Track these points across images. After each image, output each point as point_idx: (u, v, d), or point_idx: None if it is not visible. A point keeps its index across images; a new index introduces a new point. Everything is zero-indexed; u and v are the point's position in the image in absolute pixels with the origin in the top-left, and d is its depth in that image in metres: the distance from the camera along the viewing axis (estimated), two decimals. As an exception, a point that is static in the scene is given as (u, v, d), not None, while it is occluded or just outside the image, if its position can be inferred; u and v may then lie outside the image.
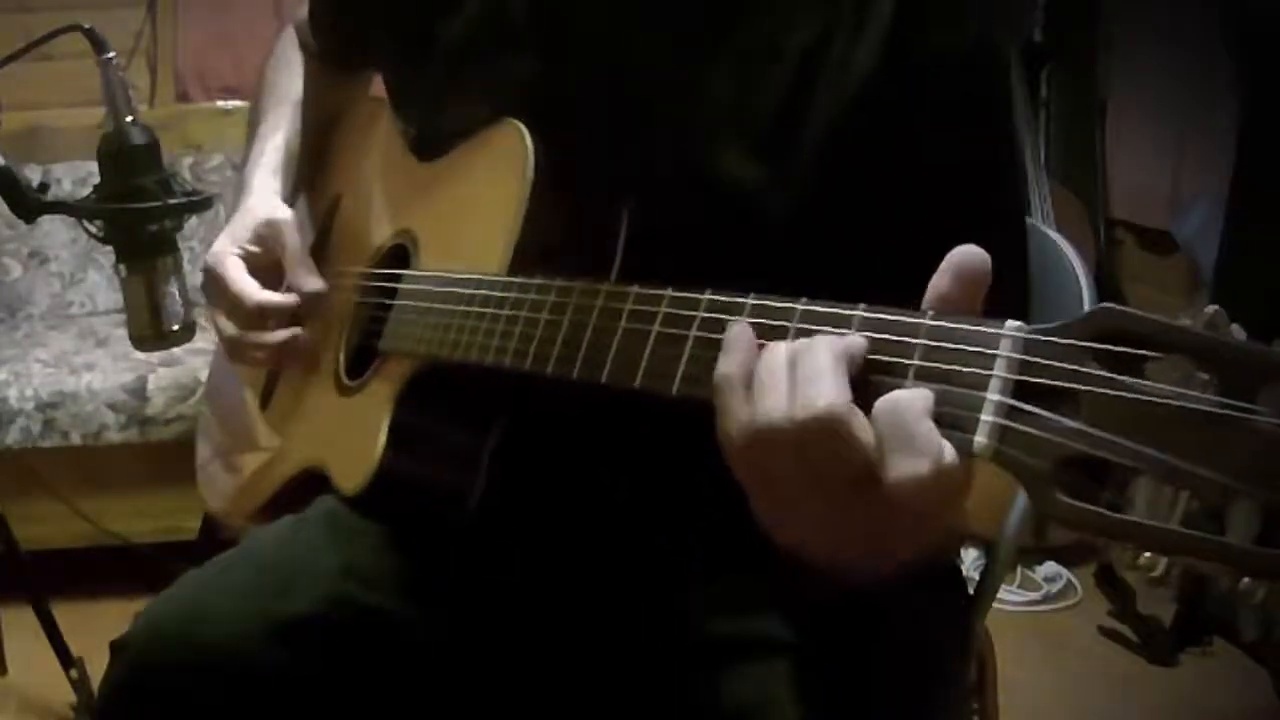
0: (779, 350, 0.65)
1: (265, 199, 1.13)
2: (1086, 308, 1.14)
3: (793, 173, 0.86)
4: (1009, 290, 0.87)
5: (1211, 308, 0.56)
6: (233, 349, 1.12)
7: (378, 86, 1.18)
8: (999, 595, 1.23)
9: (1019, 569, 2.75)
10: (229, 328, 1.09)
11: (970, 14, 0.86)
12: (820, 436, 0.62)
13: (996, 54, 0.89)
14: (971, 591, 1.16)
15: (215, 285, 1.09)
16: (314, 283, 1.07)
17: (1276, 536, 0.52)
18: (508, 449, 0.91)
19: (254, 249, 1.09)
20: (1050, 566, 2.80)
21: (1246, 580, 0.53)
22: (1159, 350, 0.56)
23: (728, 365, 0.66)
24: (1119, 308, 0.57)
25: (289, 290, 1.08)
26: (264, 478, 1.16)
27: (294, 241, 1.09)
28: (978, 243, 0.86)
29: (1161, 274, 3.01)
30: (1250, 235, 2.64)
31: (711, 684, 0.87)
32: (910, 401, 0.60)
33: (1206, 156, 2.80)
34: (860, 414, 0.62)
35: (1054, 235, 1.24)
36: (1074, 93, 3.31)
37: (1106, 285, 3.08)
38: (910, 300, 0.64)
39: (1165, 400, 0.55)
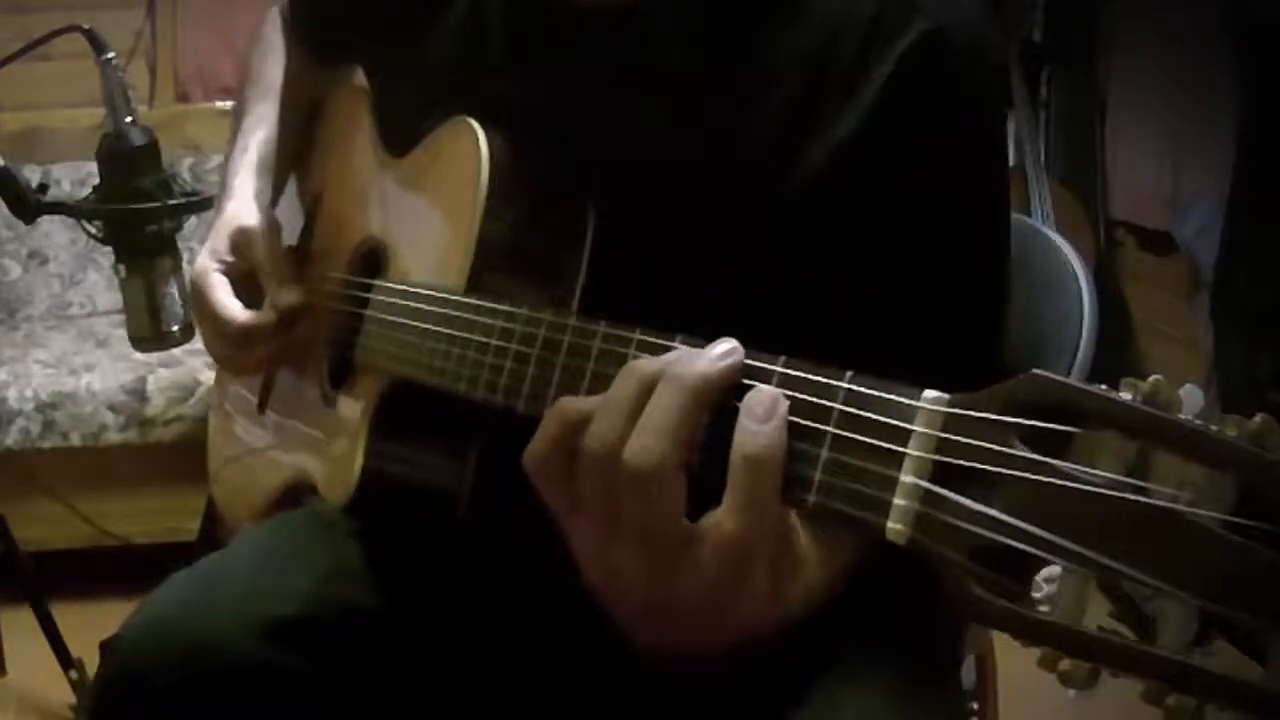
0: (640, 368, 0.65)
1: (242, 203, 1.12)
2: (1086, 308, 1.15)
3: (771, 224, 0.86)
4: (977, 356, 0.86)
5: (1155, 377, 0.50)
6: (219, 362, 1.14)
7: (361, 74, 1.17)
8: (999, 595, 1.23)
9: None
10: (215, 345, 1.09)
11: (966, 101, 0.85)
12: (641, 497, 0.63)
13: (993, 130, 0.89)
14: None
15: (199, 303, 1.09)
16: (290, 296, 1.05)
17: (1214, 645, 0.47)
18: (493, 458, 0.90)
19: (231, 259, 1.09)
20: (1050, 566, 2.79)
21: (1172, 698, 0.48)
22: (1092, 425, 0.50)
23: None
24: (1049, 376, 0.52)
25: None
26: (260, 485, 1.16)
27: (266, 250, 1.07)
28: (945, 305, 0.85)
29: (1161, 274, 3.01)
30: (1250, 235, 2.64)
31: (689, 685, 0.87)
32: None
33: (1206, 156, 2.80)
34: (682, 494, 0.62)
35: (1054, 235, 1.24)
36: (1074, 93, 3.31)
37: (1106, 285, 3.08)
38: (871, 352, 0.63)
39: (1093, 489, 0.49)
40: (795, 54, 0.86)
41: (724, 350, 0.64)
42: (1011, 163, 2.56)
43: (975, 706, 1.37)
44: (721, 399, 0.63)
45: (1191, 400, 0.49)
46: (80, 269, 3.14)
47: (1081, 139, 3.26)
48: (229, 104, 3.22)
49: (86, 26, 1.15)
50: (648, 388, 0.64)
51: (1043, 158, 3.24)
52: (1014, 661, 1.42)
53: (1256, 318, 2.61)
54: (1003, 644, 1.36)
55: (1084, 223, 3.11)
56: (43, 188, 1.20)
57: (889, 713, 0.84)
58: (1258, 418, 0.47)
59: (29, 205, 1.18)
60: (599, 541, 0.66)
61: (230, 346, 1.08)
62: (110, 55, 1.15)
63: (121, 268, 1.17)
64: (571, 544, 0.69)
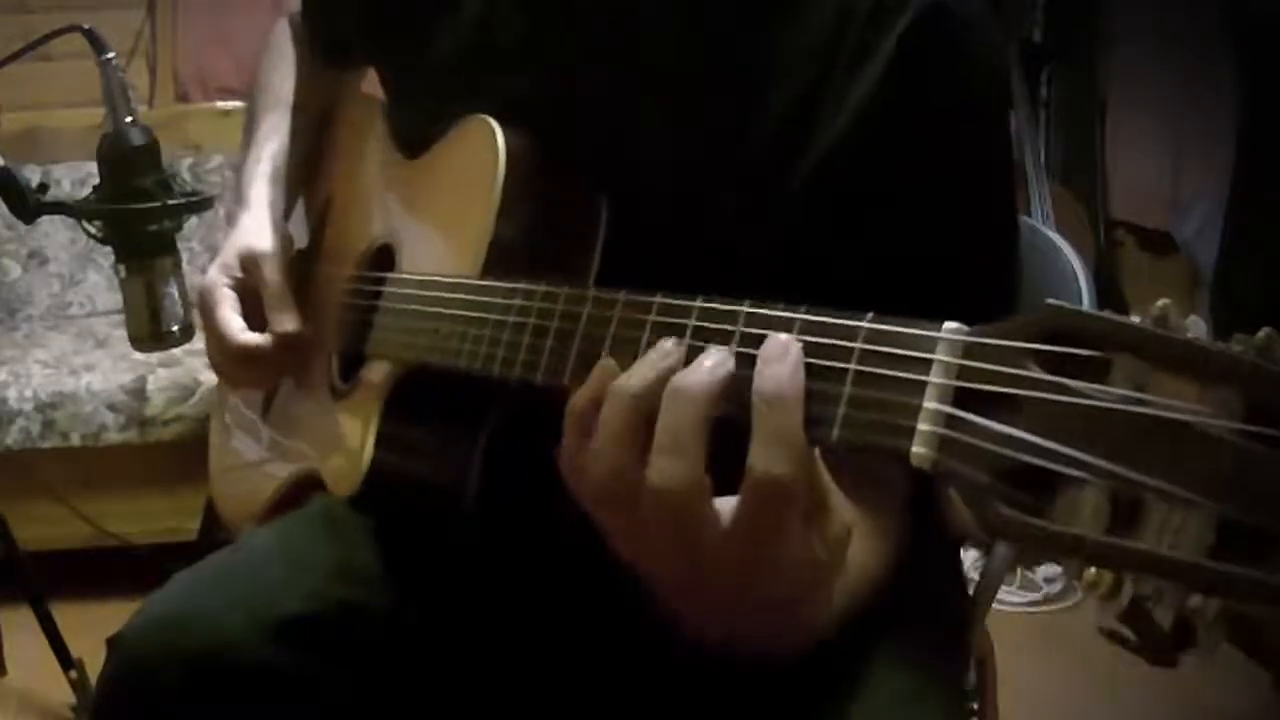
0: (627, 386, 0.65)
1: (257, 222, 1.13)
2: (1086, 309, 1.15)
3: (780, 206, 0.86)
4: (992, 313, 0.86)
5: (1163, 300, 0.52)
6: (219, 375, 1.15)
7: (371, 81, 1.18)
8: (999, 595, 1.23)
9: (1019, 569, 2.75)
10: (216, 358, 1.11)
11: (967, 68, 0.86)
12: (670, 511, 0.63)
13: (995, 95, 0.89)
14: (971, 592, 1.16)
15: (205, 316, 1.10)
16: (290, 324, 1.07)
17: (1232, 550, 0.48)
18: (501, 444, 0.91)
19: (241, 276, 1.10)
20: (1050, 567, 2.79)
21: (1197, 599, 0.49)
22: (1106, 349, 0.52)
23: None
24: (1064, 305, 0.54)
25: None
26: (265, 484, 1.16)
27: (273, 276, 1.09)
28: (954, 271, 0.86)
29: (1161, 274, 3.01)
30: (1250, 235, 2.65)
31: (697, 681, 0.87)
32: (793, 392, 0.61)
33: (1206, 156, 2.81)
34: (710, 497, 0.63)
35: (1054, 235, 1.25)
36: (1074, 93, 3.32)
37: (1106, 285, 3.09)
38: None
39: (1110, 405, 0.51)
40: (799, 51, 0.87)
41: (714, 363, 0.65)
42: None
43: (975, 707, 1.37)
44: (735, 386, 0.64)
45: (1197, 329, 0.51)
46: (80, 269, 3.14)
47: (1081, 139, 3.26)
48: (229, 104, 3.25)
49: (86, 26, 1.15)
50: (646, 407, 0.65)
51: (1043, 158, 3.24)
52: (1014, 662, 1.43)
53: (1256, 318, 2.61)
54: (1003, 644, 1.36)
55: (1084, 223, 3.11)
56: (43, 188, 1.19)
57: (891, 708, 0.85)
58: (1262, 332, 0.49)
59: (29, 205, 1.18)
60: (631, 526, 0.67)
61: (230, 363, 1.09)
62: (110, 55, 1.15)
63: (121, 268, 1.17)
64: (600, 528, 0.69)
